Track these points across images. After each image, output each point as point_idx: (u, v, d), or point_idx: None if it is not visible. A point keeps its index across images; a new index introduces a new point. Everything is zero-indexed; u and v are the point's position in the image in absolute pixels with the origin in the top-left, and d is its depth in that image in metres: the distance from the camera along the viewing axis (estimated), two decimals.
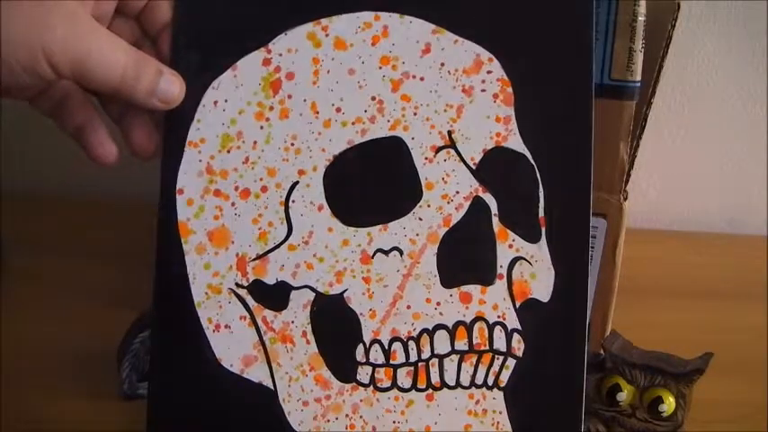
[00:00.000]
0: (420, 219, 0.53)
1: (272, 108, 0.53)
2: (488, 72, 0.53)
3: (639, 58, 0.61)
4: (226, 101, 0.53)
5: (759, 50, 0.96)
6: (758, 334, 0.79)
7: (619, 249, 0.66)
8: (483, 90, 0.53)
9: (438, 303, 0.53)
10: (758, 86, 0.97)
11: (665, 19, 0.61)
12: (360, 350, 0.53)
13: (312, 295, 0.53)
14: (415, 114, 0.53)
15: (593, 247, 0.65)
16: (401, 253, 0.53)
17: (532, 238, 0.53)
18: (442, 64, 0.53)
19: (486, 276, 0.53)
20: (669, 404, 0.58)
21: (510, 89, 0.53)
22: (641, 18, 0.60)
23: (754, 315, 0.83)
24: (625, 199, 0.65)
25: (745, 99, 0.98)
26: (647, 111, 0.64)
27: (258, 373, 0.53)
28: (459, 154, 0.53)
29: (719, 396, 0.63)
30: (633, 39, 0.60)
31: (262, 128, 0.53)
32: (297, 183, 0.53)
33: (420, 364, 0.53)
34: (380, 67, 0.53)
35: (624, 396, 0.59)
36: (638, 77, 0.61)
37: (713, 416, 0.65)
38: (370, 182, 0.53)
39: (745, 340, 0.78)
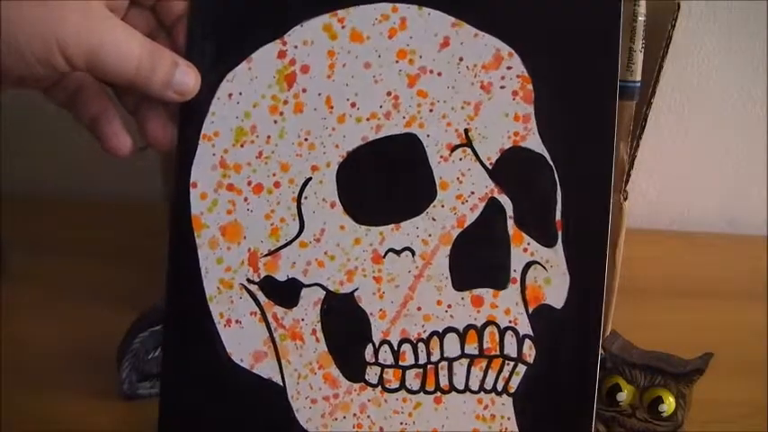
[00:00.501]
0: (433, 219, 0.52)
1: (286, 102, 0.52)
2: (508, 68, 0.52)
3: (639, 58, 0.61)
4: (240, 93, 0.52)
5: (759, 50, 0.96)
6: (758, 334, 0.80)
7: (619, 249, 0.66)
8: (502, 87, 0.52)
9: (449, 306, 0.52)
10: (758, 86, 0.98)
11: (665, 19, 0.61)
12: (369, 350, 0.53)
13: (323, 293, 0.53)
14: (431, 111, 0.52)
15: None
16: (413, 253, 0.52)
17: (548, 241, 0.52)
18: (461, 59, 0.52)
19: (498, 280, 0.52)
20: (669, 404, 0.58)
21: (530, 86, 0.52)
22: (641, 18, 0.60)
23: (754, 315, 0.84)
24: (625, 199, 0.65)
25: (745, 99, 0.99)
26: (647, 111, 0.64)
27: (268, 370, 0.53)
28: (475, 153, 0.52)
29: (719, 396, 0.63)
30: (633, 39, 0.60)
31: (276, 122, 0.52)
32: (310, 179, 0.52)
33: (429, 366, 0.52)
34: (397, 61, 0.52)
35: (624, 396, 0.59)
36: (638, 77, 0.62)
37: (713, 416, 0.65)
38: (384, 180, 0.52)
39: (745, 340, 0.79)
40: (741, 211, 1.05)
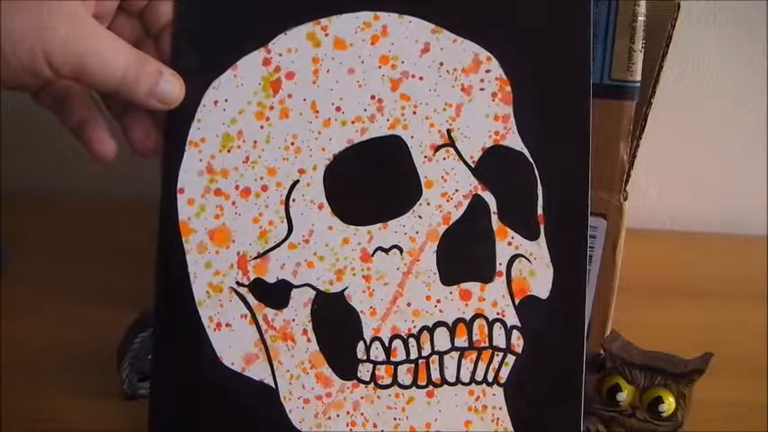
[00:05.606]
0: (420, 217, 0.53)
1: (272, 107, 0.53)
2: (487, 71, 0.53)
3: (639, 58, 0.61)
4: (226, 100, 0.53)
5: (759, 50, 0.96)
6: (758, 334, 0.80)
7: (619, 249, 0.66)
8: (482, 89, 0.53)
9: (438, 301, 0.53)
10: (758, 86, 0.98)
11: (665, 19, 0.61)
12: (360, 348, 0.53)
13: (313, 293, 0.53)
14: (414, 113, 0.53)
15: (592, 247, 0.65)
16: (401, 251, 0.53)
17: (531, 235, 0.53)
18: (441, 63, 0.53)
19: (485, 274, 0.53)
20: (669, 404, 0.58)
21: (508, 88, 0.53)
22: (641, 18, 0.60)
23: (754, 315, 0.83)
24: (625, 199, 0.65)
25: (745, 99, 0.99)
26: (647, 111, 0.63)
27: (259, 372, 0.53)
28: (458, 152, 0.53)
29: (719, 396, 0.63)
30: (633, 39, 0.60)
31: (262, 127, 0.53)
32: (297, 182, 0.53)
33: (420, 361, 0.53)
34: (380, 67, 0.53)
35: (624, 396, 0.59)
36: (638, 77, 0.62)
37: (713, 416, 0.65)
38: (370, 180, 0.53)
39: (745, 340, 0.78)
40: (741, 211, 1.04)
